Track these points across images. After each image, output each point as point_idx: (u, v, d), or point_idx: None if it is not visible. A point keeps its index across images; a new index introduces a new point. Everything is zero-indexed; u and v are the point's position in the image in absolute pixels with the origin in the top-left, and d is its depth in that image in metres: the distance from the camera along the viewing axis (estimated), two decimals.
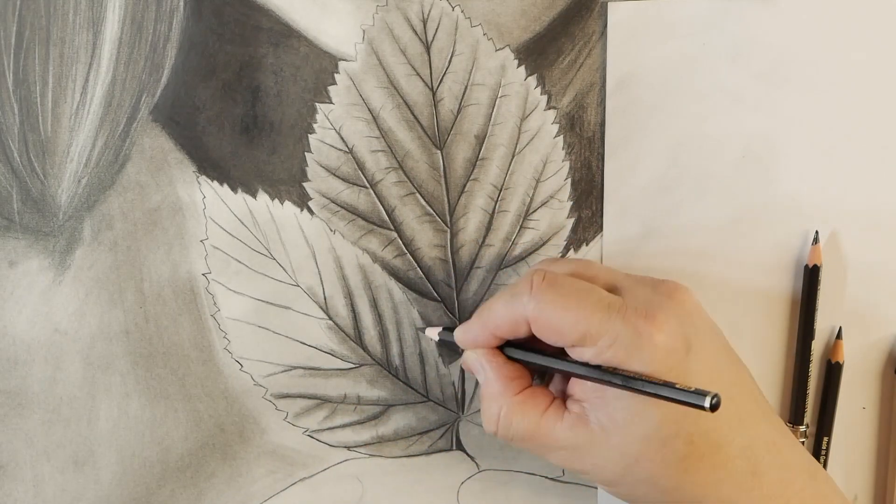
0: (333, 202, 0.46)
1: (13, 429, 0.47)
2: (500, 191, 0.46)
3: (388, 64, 0.44)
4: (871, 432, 0.48)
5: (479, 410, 0.48)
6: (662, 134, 0.45)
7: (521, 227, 0.46)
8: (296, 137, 0.45)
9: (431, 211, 0.46)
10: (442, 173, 0.45)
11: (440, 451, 0.48)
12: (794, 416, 0.46)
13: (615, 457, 0.37)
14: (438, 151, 0.45)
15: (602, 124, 0.45)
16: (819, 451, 0.47)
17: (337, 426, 0.48)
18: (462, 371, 0.47)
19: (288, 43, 0.44)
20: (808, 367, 0.46)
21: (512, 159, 0.45)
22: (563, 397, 0.39)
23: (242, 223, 0.46)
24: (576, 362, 0.38)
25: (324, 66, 0.44)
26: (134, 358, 0.46)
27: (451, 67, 0.44)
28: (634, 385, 0.35)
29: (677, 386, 0.34)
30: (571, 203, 0.46)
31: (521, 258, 0.46)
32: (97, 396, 0.47)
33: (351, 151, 0.45)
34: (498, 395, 0.39)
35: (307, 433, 0.48)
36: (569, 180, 0.46)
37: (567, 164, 0.46)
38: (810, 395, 0.46)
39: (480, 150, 0.45)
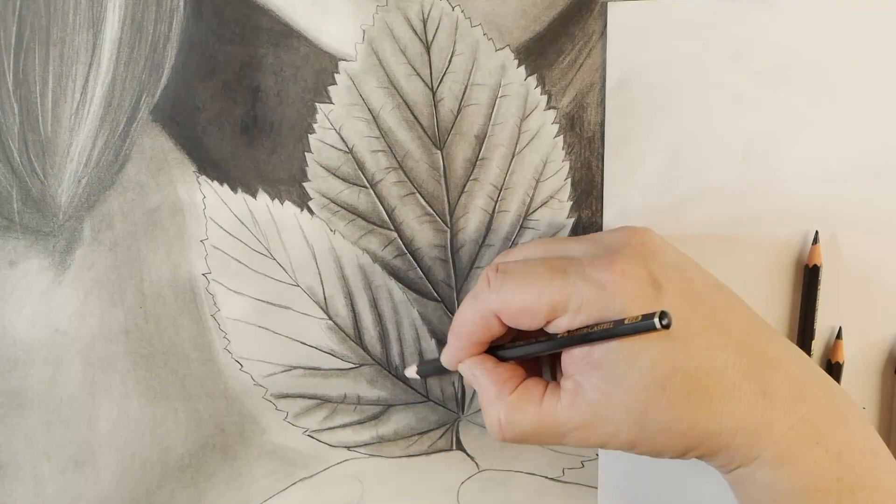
0: (333, 202, 0.46)
1: (13, 429, 0.47)
2: (500, 191, 0.46)
3: (389, 64, 0.44)
4: None
5: (479, 410, 0.48)
6: (662, 134, 0.45)
7: (521, 227, 0.46)
8: (296, 137, 0.45)
9: (431, 211, 0.46)
10: (442, 173, 0.45)
11: (440, 451, 0.48)
12: None
13: (623, 417, 0.36)
14: (438, 151, 0.45)
15: (602, 124, 0.45)
16: None
17: (337, 426, 0.48)
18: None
19: (288, 43, 0.44)
20: None
21: (512, 159, 0.45)
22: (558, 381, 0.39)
23: (242, 223, 0.46)
24: (555, 337, 0.37)
25: (324, 66, 0.44)
26: (134, 358, 0.46)
27: (451, 67, 0.44)
28: (591, 336, 0.35)
29: (626, 320, 0.33)
30: (571, 203, 0.46)
31: None
32: (97, 397, 0.47)
33: (351, 151, 0.45)
34: (494, 400, 0.39)
35: (307, 433, 0.48)
36: (569, 180, 0.46)
37: (567, 164, 0.46)
38: None
39: (480, 150, 0.45)
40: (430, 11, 0.44)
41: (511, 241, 0.46)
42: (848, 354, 0.46)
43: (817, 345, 0.46)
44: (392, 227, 0.46)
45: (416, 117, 0.45)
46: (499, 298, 0.37)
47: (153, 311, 0.46)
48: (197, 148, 0.45)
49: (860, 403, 0.47)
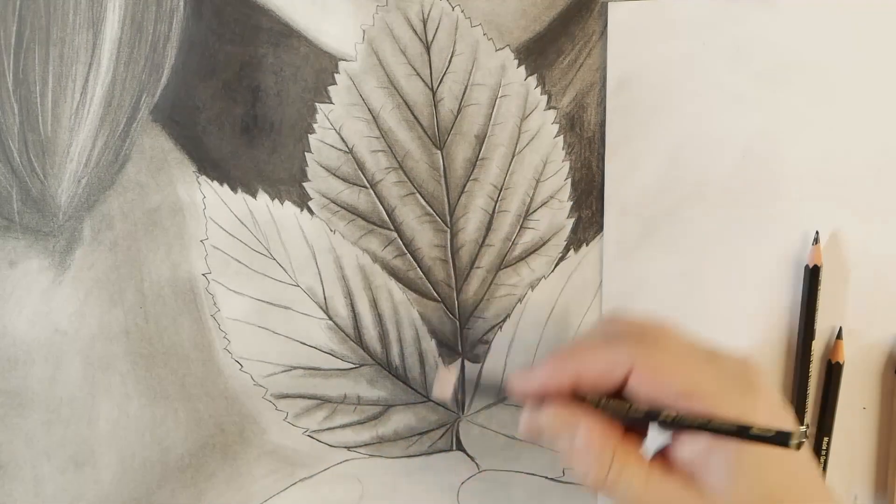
0: (333, 202, 0.46)
1: (13, 429, 0.47)
2: (500, 191, 0.46)
3: (389, 64, 0.44)
4: (871, 432, 0.48)
5: (478, 410, 0.48)
6: (662, 134, 0.45)
7: (521, 227, 0.46)
8: (296, 137, 0.45)
9: (431, 211, 0.46)
10: (442, 173, 0.45)
11: (440, 451, 0.48)
12: (795, 416, 0.46)
13: None
14: (438, 151, 0.45)
15: (602, 124, 0.45)
16: (819, 451, 0.47)
17: (337, 426, 0.48)
18: (462, 371, 0.47)
19: (288, 43, 0.44)
20: (809, 368, 0.46)
21: (512, 159, 0.45)
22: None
23: (242, 223, 0.46)
24: (675, 418, 0.36)
25: (324, 65, 0.44)
26: (134, 358, 0.46)
27: (452, 67, 0.44)
28: (722, 429, 0.35)
29: (753, 429, 0.34)
30: (571, 203, 0.46)
31: (521, 258, 0.46)
32: (97, 396, 0.47)
33: (351, 151, 0.45)
34: (603, 446, 0.36)
35: (307, 433, 0.48)
36: (569, 180, 0.46)
37: (567, 164, 0.46)
38: (810, 396, 0.46)
39: (480, 150, 0.45)
40: (430, 11, 0.44)
41: (511, 241, 0.46)
42: (848, 354, 0.46)
43: (817, 345, 0.46)
44: (392, 227, 0.46)
45: (416, 117, 0.45)
46: (646, 355, 0.36)
47: (153, 311, 0.46)
48: (197, 148, 0.45)
49: (860, 403, 0.47)
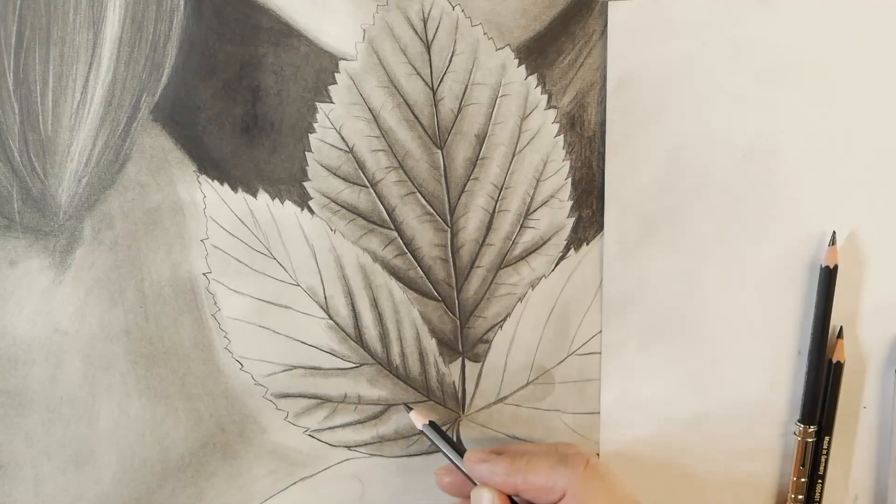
0: (334, 202, 0.46)
1: (13, 428, 0.47)
2: (501, 190, 0.46)
3: (389, 63, 0.44)
4: (871, 432, 0.48)
5: (479, 410, 0.48)
6: (662, 134, 0.45)
7: (521, 226, 0.46)
8: (296, 137, 0.45)
9: (432, 210, 0.46)
10: (442, 172, 0.45)
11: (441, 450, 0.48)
12: (807, 417, 0.46)
13: None
14: (439, 151, 0.45)
15: (602, 124, 0.45)
16: (819, 450, 0.47)
17: (337, 426, 0.48)
18: (462, 370, 0.47)
19: (288, 42, 0.44)
20: (823, 367, 0.46)
21: (512, 158, 0.45)
22: None
23: (243, 223, 0.46)
24: None
25: (324, 65, 0.44)
26: (134, 357, 0.46)
27: (452, 67, 0.44)
28: None
29: None
30: (572, 202, 0.46)
31: (522, 257, 0.46)
32: (98, 396, 0.47)
33: (351, 151, 0.45)
34: None
35: (307, 433, 0.48)
36: (569, 180, 0.46)
37: (567, 163, 0.46)
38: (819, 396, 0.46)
39: (481, 149, 0.45)
40: (430, 11, 0.44)
41: (511, 241, 0.46)
42: (848, 354, 0.46)
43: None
44: (392, 227, 0.46)
45: (416, 117, 0.45)
46: (584, 486, 0.41)
47: (153, 311, 0.46)
48: (197, 147, 0.45)
49: (860, 403, 0.47)
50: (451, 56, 0.44)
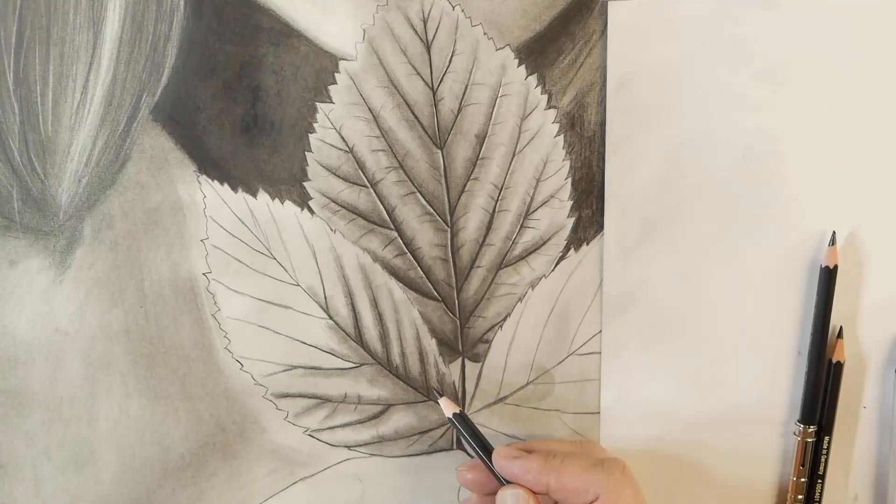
0: (334, 202, 0.46)
1: (13, 428, 0.47)
2: (501, 190, 0.46)
3: (389, 63, 0.44)
4: (871, 432, 0.48)
5: (479, 409, 0.48)
6: (662, 134, 0.45)
7: (521, 226, 0.46)
8: (296, 137, 0.45)
9: (432, 210, 0.46)
10: (442, 172, 0.45)
11: (441, 450, 0.48)
12: (807, 417, 0.46)
13: None
14: (439, 151, 0.45)
15: (602, 124, 0.45)
16: (819, 450, 0.47)
17: (337, 425, 0.48)
18: (462, 370, 0.47)
19: (288, 42, 0.44)
20: (823, 367, 0.46)
21: (512, 158, 0.45)
22: None
23: (243, 223, 0.46)
24: None
25: (324, 65, 0.44)
26: (134, 357, 0.46)
27: (452, 67, 0.44)
28: None
29: None
30: (572, 202, 0.46)
31: (522, 257, 0.46)
32: (98, 396, 0.47)
33: (351, 151, 0.45)
34: None
35: (307, 433, 0.48)
36: (569, 180, 0.46)
37: (567, 163, 0.46)
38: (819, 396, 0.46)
39: (481, 149, 0.45)
40: (430, 11, 0.44)
41: (511, 241, 0.46)
42: (848, 354, 0.46)
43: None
44: (392, 227, 0.46)
45: (416, 117, 0.45)
46: (616, 491, 0.41)
47: (153, 311, 0.46)
48: (197, 147, 0.45)
49: (860, 403, 0.47)
50: (451, 56, 0.44)
